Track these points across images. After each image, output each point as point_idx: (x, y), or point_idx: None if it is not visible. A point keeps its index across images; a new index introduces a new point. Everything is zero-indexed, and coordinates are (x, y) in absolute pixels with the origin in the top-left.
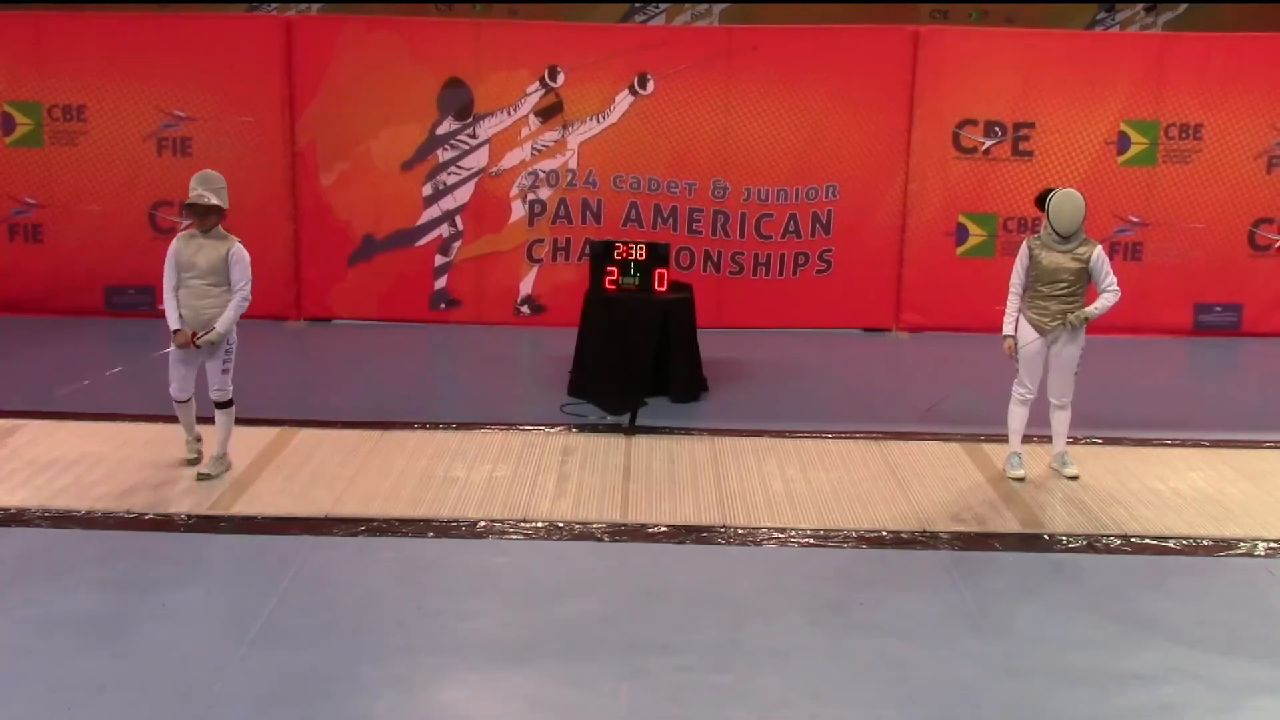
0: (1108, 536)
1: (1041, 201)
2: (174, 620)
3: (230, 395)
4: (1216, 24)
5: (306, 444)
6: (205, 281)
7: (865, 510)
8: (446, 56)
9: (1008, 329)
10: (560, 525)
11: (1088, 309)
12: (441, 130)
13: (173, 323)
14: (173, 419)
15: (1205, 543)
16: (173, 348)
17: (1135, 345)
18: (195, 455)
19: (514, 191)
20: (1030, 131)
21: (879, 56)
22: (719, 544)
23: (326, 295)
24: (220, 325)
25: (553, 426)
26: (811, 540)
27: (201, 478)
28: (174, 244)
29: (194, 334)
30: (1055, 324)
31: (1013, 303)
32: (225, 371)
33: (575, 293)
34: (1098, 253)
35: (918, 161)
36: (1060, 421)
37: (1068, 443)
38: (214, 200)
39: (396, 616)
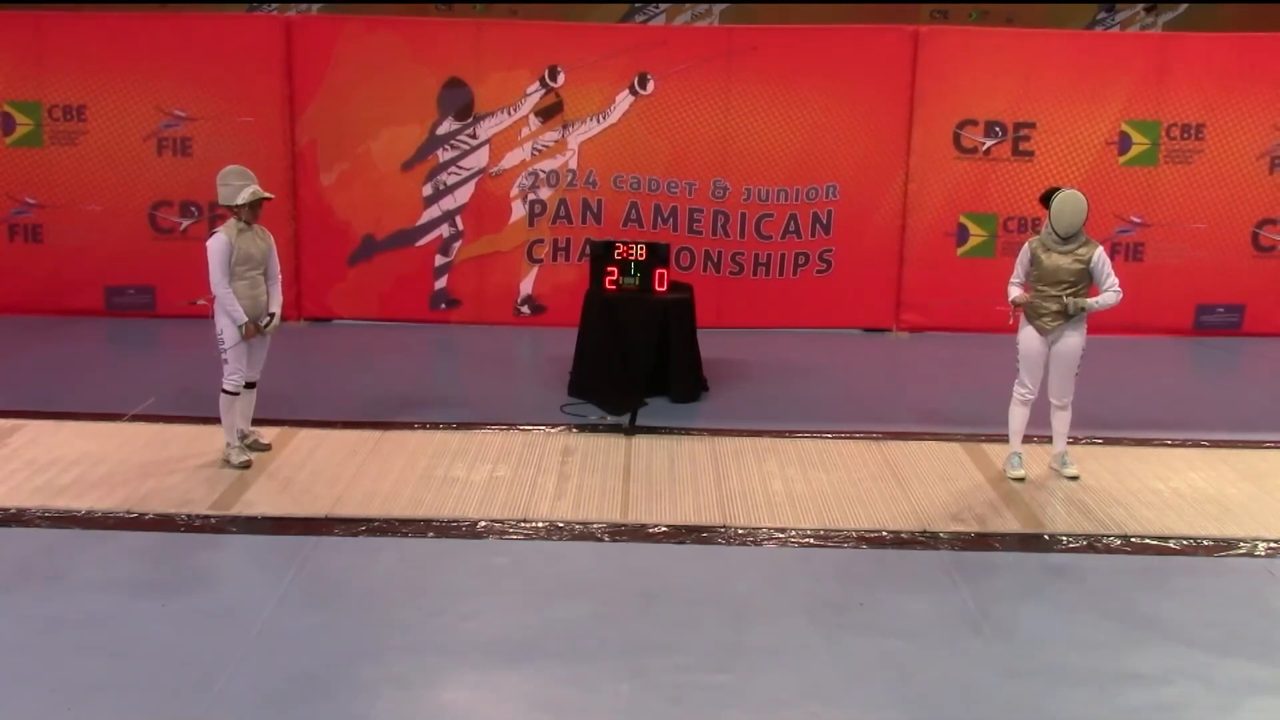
0: (1108, 537)
1: (1046, 200)
2: (174, 620)
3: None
4: (1216, 24)
5: (306, 444)
6: (258, 271)
7: (865, 510)
8: (446, 56)
9: (1013, 297)
10: (560, 525)
11: (1087, 300)
12: (442, 130)
13: (241, 316)
14: (170, 419)
15: (1205, 543)
16: (239, 339)
17: (1135, 345)
18: (248, 458)
19: (514, 191)
20: (1031, 132)
21: (879, 56)
22: (719, 544)
23: (326, 295)
24: (278, 309)
25: (553, 426)
26: (811, 540)
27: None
28: (225, 239)
29: (257, 323)
30: (1055, 324)
31: (1013, 290)
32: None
33: (575, 293)
34: (1099, 253)
35: (918, 161)
36: (1060, 422)
37: (1068, 443)
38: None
39: (396, 616)
